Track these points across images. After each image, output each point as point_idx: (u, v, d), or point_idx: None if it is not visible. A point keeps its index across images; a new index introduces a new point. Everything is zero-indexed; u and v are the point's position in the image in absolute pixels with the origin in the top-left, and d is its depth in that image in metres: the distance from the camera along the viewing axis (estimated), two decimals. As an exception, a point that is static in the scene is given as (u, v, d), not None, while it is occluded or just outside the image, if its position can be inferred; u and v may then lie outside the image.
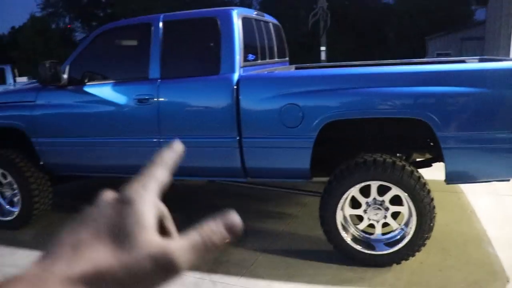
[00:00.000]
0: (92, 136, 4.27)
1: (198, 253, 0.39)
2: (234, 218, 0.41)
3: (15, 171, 4.63)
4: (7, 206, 4.89)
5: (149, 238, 0.37)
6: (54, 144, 4.48)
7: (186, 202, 5.42)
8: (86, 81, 4.27)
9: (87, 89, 4.25)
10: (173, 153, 0.47)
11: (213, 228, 0.40)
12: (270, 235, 4.22)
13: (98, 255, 0.36)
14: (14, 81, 15.40)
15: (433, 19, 32.87)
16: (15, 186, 4.70)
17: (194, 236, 0.39)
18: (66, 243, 0.37)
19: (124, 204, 0.39)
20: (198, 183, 5.80)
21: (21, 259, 4.05)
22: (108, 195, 0.41)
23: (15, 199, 4.78)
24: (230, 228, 0.40)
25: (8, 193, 4.84)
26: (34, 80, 14.95)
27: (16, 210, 4.76)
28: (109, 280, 0.35)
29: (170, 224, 0.44)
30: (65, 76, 4.31)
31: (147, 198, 0.40)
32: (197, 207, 5.17)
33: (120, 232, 0.37)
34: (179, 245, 0.38)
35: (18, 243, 4.41)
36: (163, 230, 0.42)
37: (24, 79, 16.19)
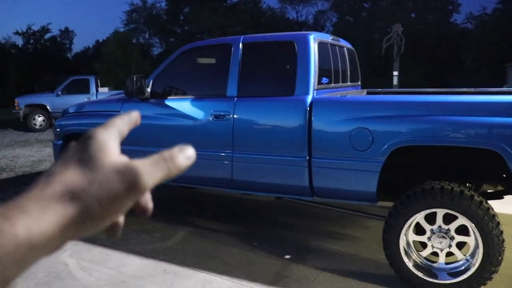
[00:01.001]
0: (168, 147, 4.56)
1: (160, 170, 0.43)
2: (190, 151, 0.46)
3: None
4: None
5: (113, 158, 0.43)
6: (133, 152, 4.82)
7: (252, 217, 5.59)
8: (167, 95, 4.59)
9: (168, 102, 4.56)
10: (128, 118, 0.50)
11: (174, 152, 0.45)
12: (332, 254, 4.28)
13: (66, 178, 0.41)
14: (97, 91, 16.43)
15: (515, 46, 31.37)
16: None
17: (156, 156, 0.44)
18: (42, 177, 0.43)
19: (87, 138, 0.44)
20: (265, 199, 5.96)
21: (97, 255, 4.38)
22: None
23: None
24: (187, 157, 0.46)
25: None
26: (115, 91, 15.82)
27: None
28: (84, 196, 0.41)
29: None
30: (148, 89, 4.65)
31: (108, 132, 0.46)
32: (263, 222, 5.32)
33: (85, 158, 0.43)
34: (143, 162, 0.43)
35: (95, 241, 4.75)
36: None
37: (105, 90, 17.19)
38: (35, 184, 0.43)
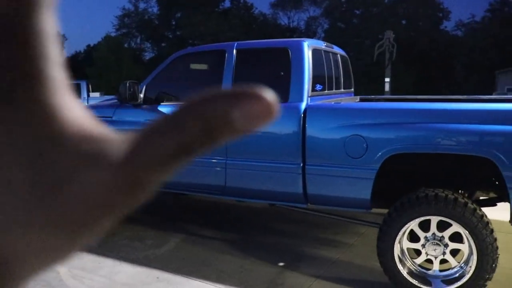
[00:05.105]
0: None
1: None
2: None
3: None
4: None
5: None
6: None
7: (245, 224, 5.57)
8: (160, 101, 4.57)
9: (161, 108, 4.53)
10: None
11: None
12: (325, 262, 4.27)
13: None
14: (88, 96, 16.36)
15: (505, 52, 31.69)
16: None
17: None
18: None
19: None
20: (259, 206, 5.94)
21: (89, 263, 4.32)
22: None
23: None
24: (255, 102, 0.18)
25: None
26: (107, 96, 15.79)
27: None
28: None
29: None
30: (141, 95, 4.62)
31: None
32: (256, 229, 5.30)
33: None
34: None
35: (86, 249, 4.70)
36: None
37: (96, 95, 17.14)
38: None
